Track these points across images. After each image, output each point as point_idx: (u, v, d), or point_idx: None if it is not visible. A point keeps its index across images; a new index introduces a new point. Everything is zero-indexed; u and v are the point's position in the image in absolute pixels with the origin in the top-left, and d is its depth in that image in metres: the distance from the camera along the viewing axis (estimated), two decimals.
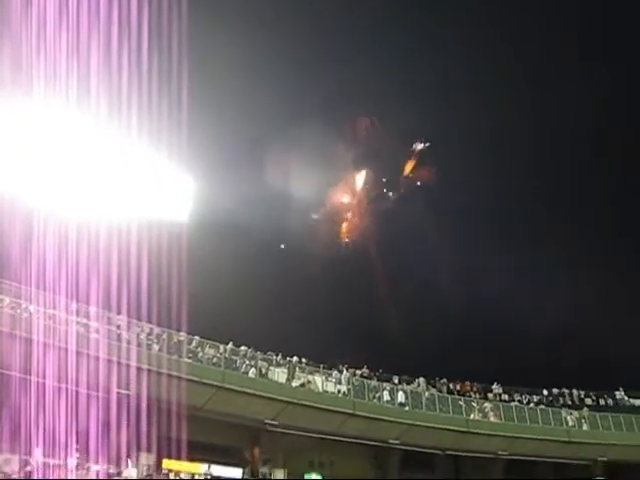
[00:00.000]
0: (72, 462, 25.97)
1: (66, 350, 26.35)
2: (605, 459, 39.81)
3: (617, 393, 43.74)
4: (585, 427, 40.52)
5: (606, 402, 43.52)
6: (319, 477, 37.55)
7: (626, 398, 43.64)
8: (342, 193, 57.36)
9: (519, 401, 42.25)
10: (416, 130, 55.48)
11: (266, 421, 34.23)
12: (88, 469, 26.84)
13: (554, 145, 52.61)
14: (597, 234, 49.09)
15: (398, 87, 50.50)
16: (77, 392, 25.95)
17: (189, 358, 33.20)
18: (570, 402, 43.12)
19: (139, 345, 31.29)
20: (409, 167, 56.99)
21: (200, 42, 34.24)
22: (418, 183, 56.39)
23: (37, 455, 25.15)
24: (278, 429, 34.56)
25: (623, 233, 49.98)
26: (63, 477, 25.53)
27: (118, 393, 28.08)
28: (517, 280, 47.89)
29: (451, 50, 50.26)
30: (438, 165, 54.61)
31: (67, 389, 25.50)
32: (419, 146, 56.37)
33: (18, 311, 29.07)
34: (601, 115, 48.47)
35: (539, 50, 49.52)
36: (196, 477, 33.99)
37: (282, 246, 52.53)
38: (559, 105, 50.90)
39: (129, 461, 29.04)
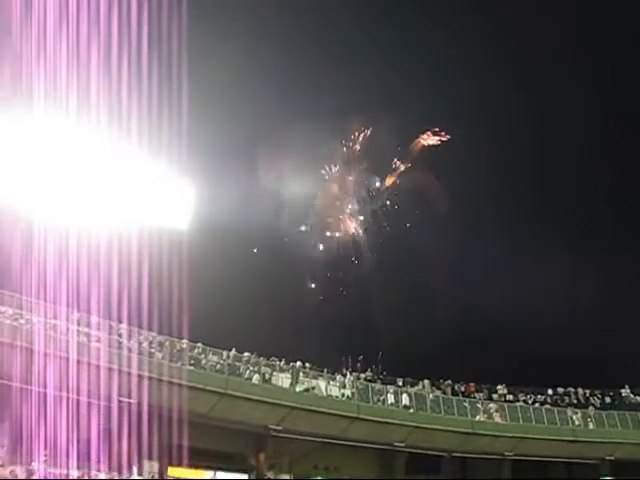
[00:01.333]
0: (75, 471, 26.04)
1: (67, 359, 26.40)
2: (613, 458, 39.67)
3: (623, 391, 43.19)
4: (591, 426, 40.28)
5: (612, 400, 43.01)
6: None
7: (632, 396, 43.01)
8: (335, 195, 57.06)
9: (524, 401, 41.84)
10: (410, 131, 55.33)
11: (271, 426, 34.26)
12: (91, 478, 26.91)
13: (551, 144, 52.52)
14: (600, 233, 48.90)
15: (391, 88, 50.44)
16: (79, 401, 26.03)
17: (192, 365, 33.28)
18: (576, 401, 42.59)
19: (141, 353, 31.34)
20: (402, 168, 56.73)
21: (199, 50, 34.25)
22: (412, 184, 56.01)
23: (40, 465, 25.25)
24: (283, 434, 34.60)
25: (621, 234, 49.86)
26: None
27: (120, 401, 28.18)
28: (521, 279, 47.77)
29: (443, 51, 50.39)
30: (433, 166, 54.36)
31: (69, 398, 25.59)
32: (415, 147, 56.09)
33: (21, 321, 29.16)
34: (593, 113, 48.35)
35: (531, 48, 49.33)
36: None
37: (254, 250, 51.32)
38: (551, 104, 50.94)
39: (134, 469, 29.11)
